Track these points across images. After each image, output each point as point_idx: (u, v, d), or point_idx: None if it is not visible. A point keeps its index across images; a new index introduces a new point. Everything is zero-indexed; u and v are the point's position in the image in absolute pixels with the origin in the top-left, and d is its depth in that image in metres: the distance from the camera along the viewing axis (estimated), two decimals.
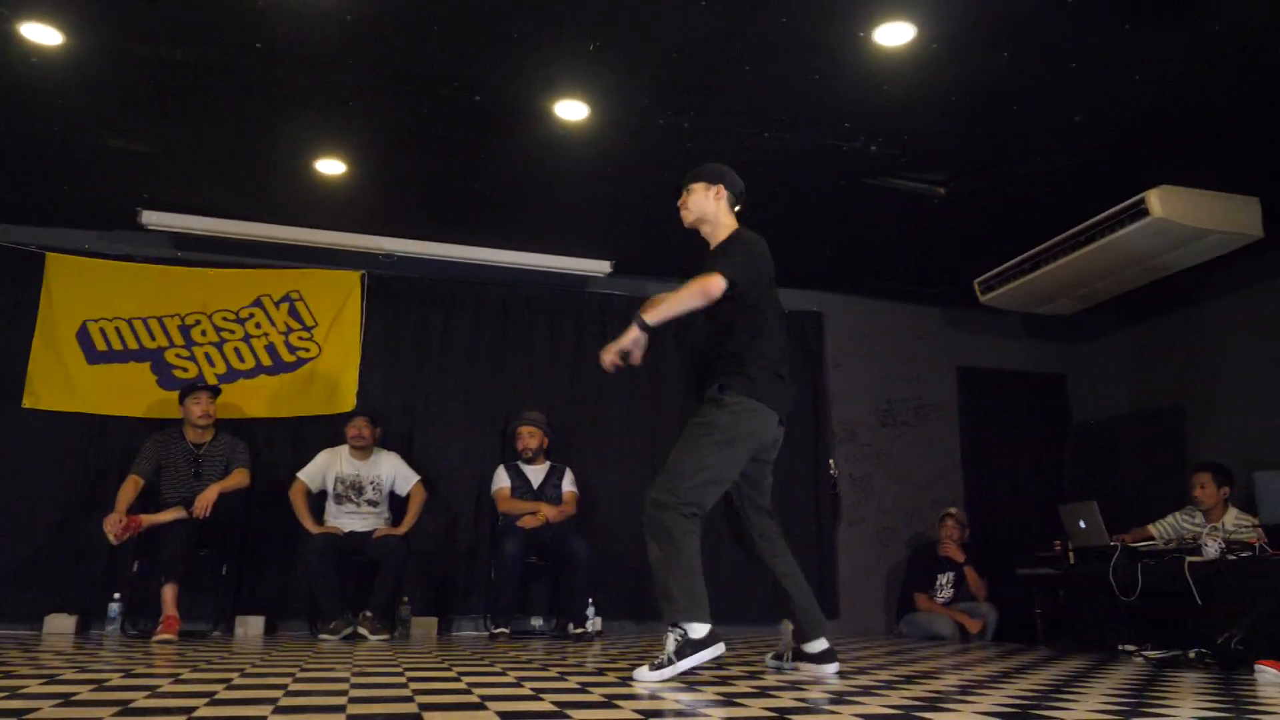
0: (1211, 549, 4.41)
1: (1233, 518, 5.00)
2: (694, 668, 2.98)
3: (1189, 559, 4.43)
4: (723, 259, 3.27)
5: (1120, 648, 4.73)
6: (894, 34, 3.92)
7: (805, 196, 5.56)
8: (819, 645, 3.34)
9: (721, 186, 3.44)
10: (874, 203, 5.60)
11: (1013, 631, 6.03)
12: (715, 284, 3.17)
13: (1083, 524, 5.20)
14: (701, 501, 3.16)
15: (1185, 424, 6.65)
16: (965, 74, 4.24)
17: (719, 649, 3.02)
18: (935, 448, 7.30)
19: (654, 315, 3.15)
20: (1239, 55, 4.06)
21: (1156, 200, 5.04)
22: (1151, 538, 5.26)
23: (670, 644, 2.96)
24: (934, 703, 2.50)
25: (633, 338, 3.14)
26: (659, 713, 2.19)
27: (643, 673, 2.92)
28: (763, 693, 2.67)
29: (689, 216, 3.48)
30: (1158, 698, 2.75)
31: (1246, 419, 6.15)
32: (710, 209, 3.43)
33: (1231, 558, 4.24)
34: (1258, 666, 3.40)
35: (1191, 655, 4.05)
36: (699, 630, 2.99)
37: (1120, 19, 3.81)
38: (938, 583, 6.37)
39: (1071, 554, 5.30)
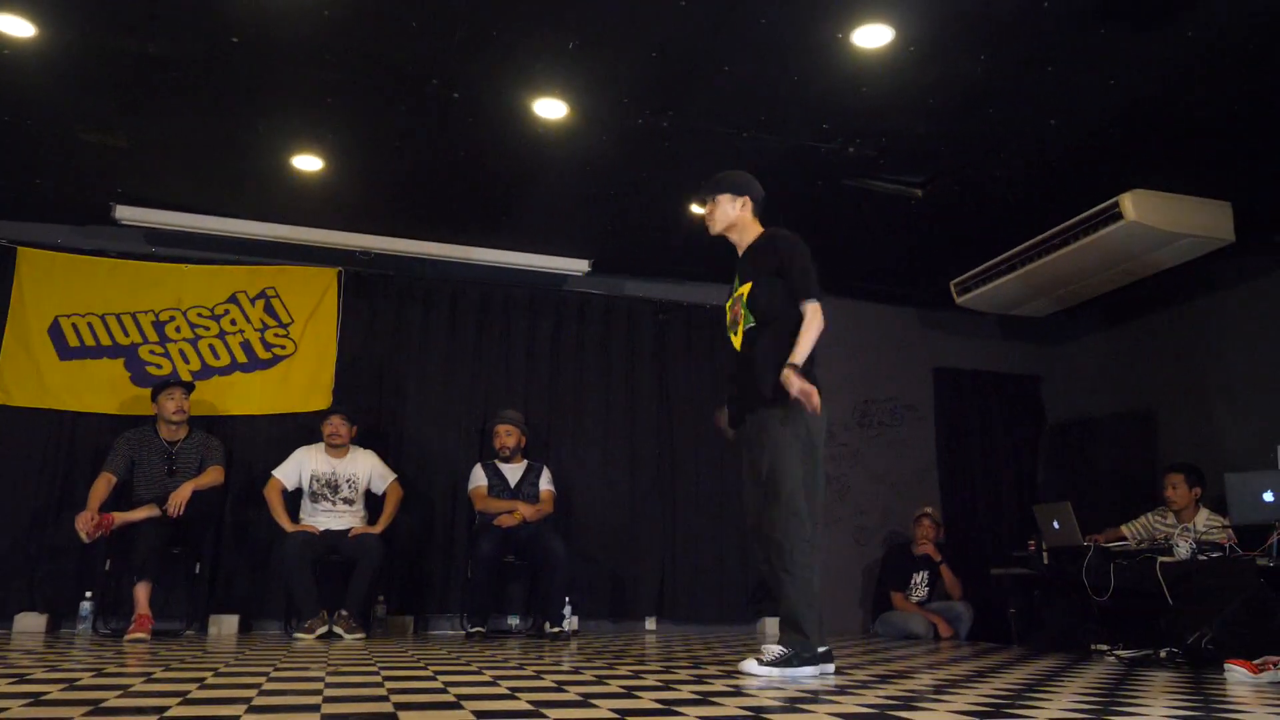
0: (1183, 549, 4.45)
1: (1204, 518, 5.06)
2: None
3: (1161, 559, 4.48)
4: (804, 279, 3.39)
5: (1093, 647, 4.77)
6: (872, 36, 3.94)
7: (783, 197, 5.53)
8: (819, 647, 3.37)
9: (748, 198, 3.60)
10: (852, 204, 5.62)
11: (987, 631, 6.08)
12: (820, 314, 3.36)
13: (1057, 524, 5.25)
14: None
15: (1158, 425, 6.72)
16: (943, 77, 4.27)
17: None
18: (911, 448, 7.34)
19: (801, 358, 3.28)
20: (1212, 62, 4.11)
21: (1130, 204, 5.09)
22: (1124, 538, 5.31)
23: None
24: (909, 702, 2.52)
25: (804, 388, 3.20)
26: (635, 711, 2.19)
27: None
28: (739, 691, 2.68)
29: (716, 226, 3.63)
30: (1129, 697, 2.78)
31: (1218, 421, 6.23)
32: (738, 217, 3.60)
33: (1202, 558, 4.29)
34: (1227, 666, 3.44)
35: (1163, 655, 4.10)
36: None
37: (1096, 24, 3.85)
38: (912, 582, 6.41)
39: (1045, 554, 5.34)
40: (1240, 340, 6.14)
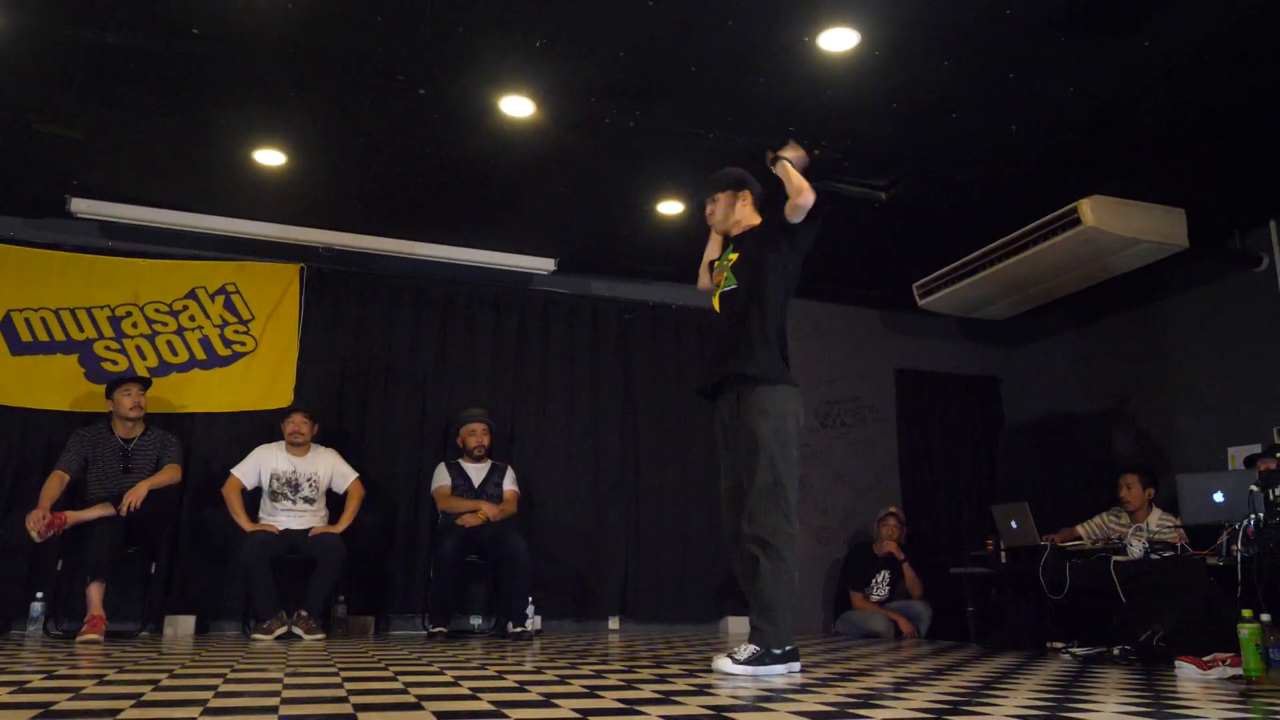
0: (1136, 549, 4.54)
1: (1156, 518, 5.17)
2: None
3: (1115, 558, 4.56)
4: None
5: (1049, 645, 4.85)
6: (838, 40, 3.97)
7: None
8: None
9: (748, 192, 3.74)
10: (818, 205, 5.64)
11: (946, 629, 6.15)
12: (811, 194, 3.46)
13: (1014, 524, 5.33)
14: None
15: (1113, 427, 6.85)
16: (907, 81, 4.32)
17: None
18: (873, 448, 7.41)
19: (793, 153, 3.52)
20: (1168, 72, 4.20)
21: (1088, 209, 5.19)
22: (1080, 538, 5.40)
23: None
24: (868, 700, 2.54)
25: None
26: (597, 711, 2.19)
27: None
28: (701, 690, 2.69)
29: (720, 224, 3.75)
30: (1083, 693, 2.83)
31: (1171, 423, 6.36)
32: (739, 213, 3.72)
33: (1155, 557, 4.37)
34: (1178, 663, 3.51)
35: (1116, 652, 4.17)
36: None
37: (1056, 32, 3.91)
38: (873, 581, 6.47)
39: (1003, 553, 5.42)
40: (1193, 345, 6.27)
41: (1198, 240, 5.52)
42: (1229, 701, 2.69)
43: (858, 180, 5.37)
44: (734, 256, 3.62)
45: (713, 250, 3.88)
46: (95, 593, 4.66)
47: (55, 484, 4.87)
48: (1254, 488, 3.60)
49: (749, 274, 3.52)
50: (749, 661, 3.20)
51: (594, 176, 5.34)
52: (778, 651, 3.25)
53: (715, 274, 3.71)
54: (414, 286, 6.39)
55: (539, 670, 3.25)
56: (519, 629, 5.19)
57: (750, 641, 3.28)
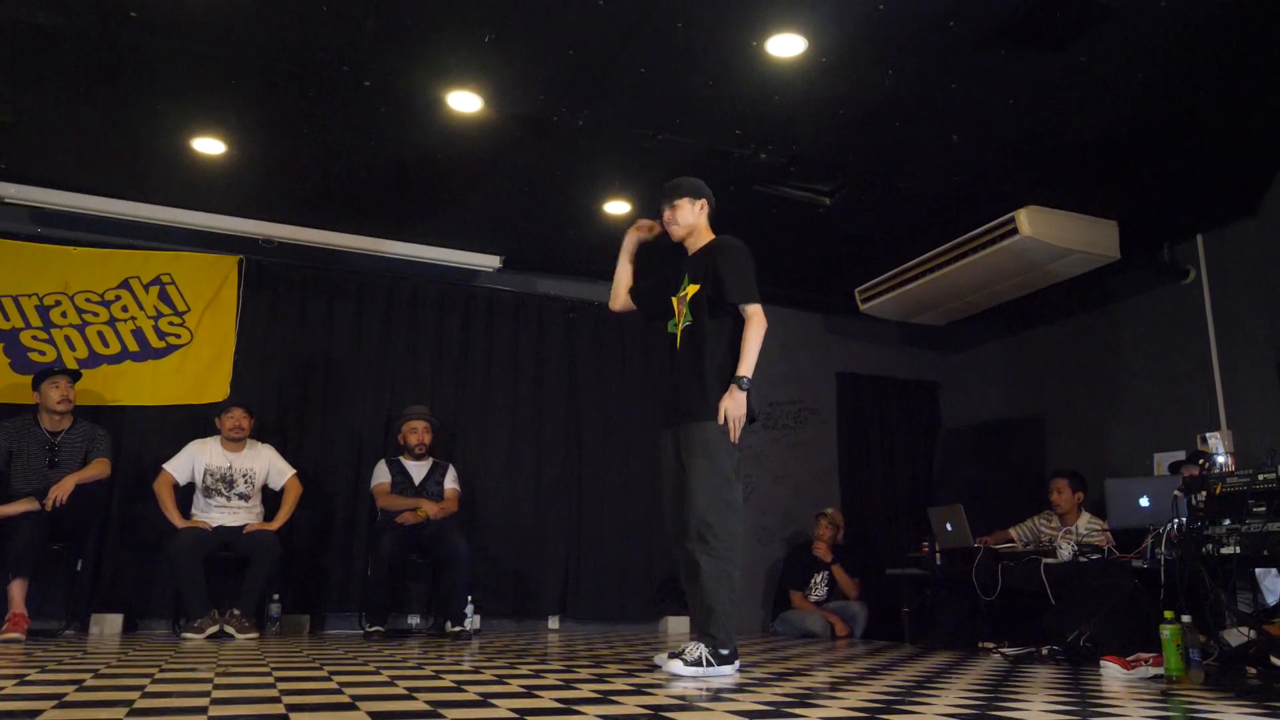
0: (1065, 551, 4.66)
1: (1085, 522, 5.31)
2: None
3: (1045, 561, 4.67)
4: (743, 284, 3.50)
5: (980, 645, 4.95)
6: (786, 45, 4.02)
7: None
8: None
9: (704, 201, 3.73)
10: (763, 210, 5.71)
11: (882, 629, 6.25)
12: (762, 315, 3.50)
13: (949, 526, 5.43)
14: None
15: (1045, 432, 7.02)
16: (852, 89, 4.38)
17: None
18: (814, 450, 7.50)
19: (749, 368, 3.44)
20: (1103, 88, 4.32)
21: (1025, 219, 5.31)
22: (1012, 540, 5.53)
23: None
24: (804, 699, 2.57)
25: (740, 402, 3.42)
26: (535, 711, 2.18)
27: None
28: (639, 690, 2.70)
29: (680, 231, 3.72)
30: (1012, 692, 2.89)
31: (1100, 429, 6.54)
32: (695, 221, 3.71)
33: (1083, 560, 4.49)
34: (1103, 662, 3.61)
35: (1044, 652, 4.27)
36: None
37: (997, 46, 4.00)
38: (812, 581, 6.55)
39: (938, 555, 5.52)
40: (1124, 353, 6.46)
41: (1129, 252, 5.69)
42: (1151, 700, 2.77)
43: (803, 185, 5.44)
44: (691, 291, 3.59)
45: (624, 273, 3.93)
46: (17, 590, 4.52)
47: None
48: (1178, 493, 3.71)
49: (704, 314, 3.54)
50: (698, 662, 3.23)
51: (541, 174, 5.32)
52: (724, 652, 3.28)
53: (675, 304, 3.68)
54: (357, 281, 6.30)
55: (477, 670, 3.23)
56: (457, 628, 5.14)
57: (697, 642, 3.30)
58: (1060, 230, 5.43)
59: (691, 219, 3.69)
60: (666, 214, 3.72)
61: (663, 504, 3.65)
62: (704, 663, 3.23)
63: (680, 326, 3.61)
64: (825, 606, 6.43)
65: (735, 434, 3.40)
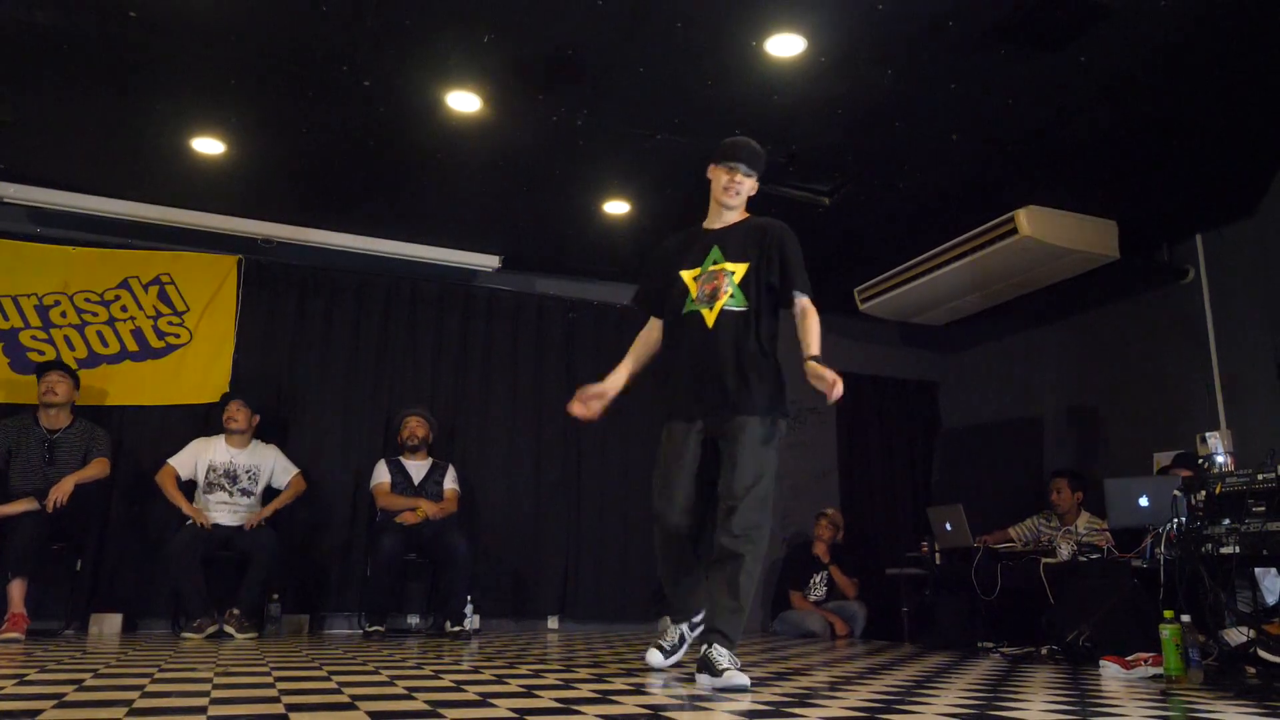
0: (1064, 551, 4.66)
1: (1085, 521, 5.31)
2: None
3: (1044, 560, 4.68)
4: (805, 275, 3.38)
5: (980, 644, 4.95)
6: (785, 45, 4.02)
7: (694, 201, 5.60)
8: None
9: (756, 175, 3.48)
10: (762, 209, 5.67)
11: (881, 629, 6.25)
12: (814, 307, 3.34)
13: (949, 526, 5.43)
14: None
15: (1045, 432, 7.02)
16: (852, 89, 4.37)
17: None
18: (814, 451, 7.49)
19: (818, 346, 3.26)
20: (1103, 88, 4.32)
21: (1025, 219, 5.31)
22: (1011, 540, 5.53)
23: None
24: (804, 699, 2.57)
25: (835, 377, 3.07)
26: (534, 710, 2.18)
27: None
28: (638, 690, 2.70)
29: (737, 204, 3.47)
30: (1012, 692, 2.89)
31: (1100, 429, 6.54)
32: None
33: (1082, 559, 4.49)
34: (1102, 662, 3.61)
35: (1044, 651, 4.28)
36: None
37: (997, 45, 4.00)
38: (811, 581, 6.55)
39: (938, 555, 5.52)
40: (1123, 353, 6.45)
41: (1128, 252, 5.69)
42: (1150, 700, 2.77)
43: (802, 185, 5.44)
44: (740, 269, 3.30)
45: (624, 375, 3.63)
46: (17, 590, 4.52)
47: None
48: (1177, 493, 3.71)
49: (755, 296, 3.30)
50: (736, 668, 2.87)
51: (540, 174, 5.32)
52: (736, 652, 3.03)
53: (698, 281, 3.33)
54: (356, 281, 6.30)
55: (476, 670, 3.23)
56: (457, 628, 5.15)
57: (720, 646, 2.91)
58: (1060, 230, 5.43)
59: (749, 194, 3.47)
60: (729, 179, 3.39)
61: (662, 493, 3.26)
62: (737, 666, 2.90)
63: (718, 306, 3.24)
64: (824, 606, 6.43)
65: (837, 387, 3.05)
